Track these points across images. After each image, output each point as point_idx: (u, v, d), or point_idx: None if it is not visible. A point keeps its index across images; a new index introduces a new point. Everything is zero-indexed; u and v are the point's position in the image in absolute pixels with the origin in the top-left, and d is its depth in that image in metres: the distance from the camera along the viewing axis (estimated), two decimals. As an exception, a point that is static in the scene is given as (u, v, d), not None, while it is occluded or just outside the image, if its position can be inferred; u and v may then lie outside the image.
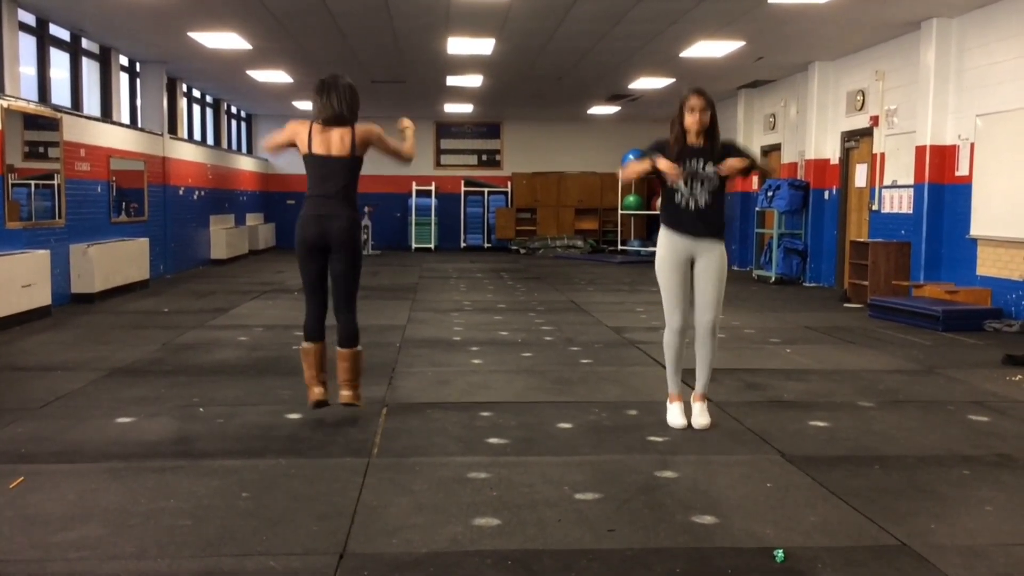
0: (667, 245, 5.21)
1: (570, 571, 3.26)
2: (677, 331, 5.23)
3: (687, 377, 5.51)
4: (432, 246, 23.13)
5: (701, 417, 5.27)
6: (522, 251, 22.71)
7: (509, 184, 23.92)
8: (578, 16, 10.95)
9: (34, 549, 3.42)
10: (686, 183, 5.11)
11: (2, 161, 9.55)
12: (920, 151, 11.12)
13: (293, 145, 5.32)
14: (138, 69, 15.03)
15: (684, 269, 5.19)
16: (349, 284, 5.30)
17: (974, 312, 9.53)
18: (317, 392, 5.26)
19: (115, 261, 11.84)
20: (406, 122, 5.61)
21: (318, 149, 5.17)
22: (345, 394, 5.32)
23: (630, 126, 23.10)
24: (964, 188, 10.55)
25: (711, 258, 5.16)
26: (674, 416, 5.29)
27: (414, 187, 23.05)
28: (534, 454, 4.73)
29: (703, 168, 5.10)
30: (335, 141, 5.19)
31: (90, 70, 13.24)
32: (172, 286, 13.43)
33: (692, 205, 5.12)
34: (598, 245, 22.96)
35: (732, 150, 5.20)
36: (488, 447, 4.85)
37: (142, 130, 14.46)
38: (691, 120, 5.09)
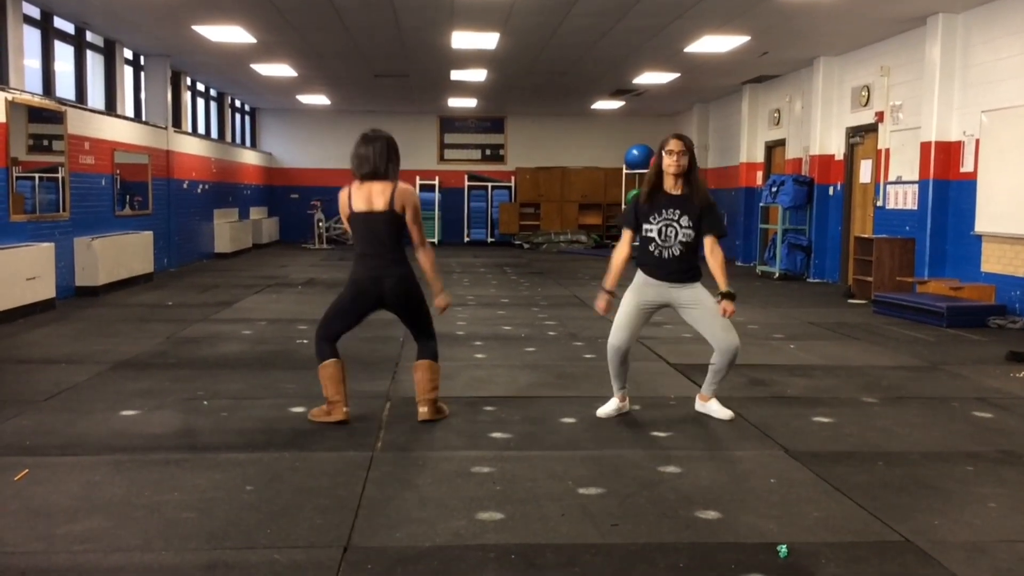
0: (640, 282, 5.28)
1: (573, 565, 3.26)
2: (618, 349, 5.29)
3: (697, 375, 5.50)
4: (435, 241, 23.12)
5: (722, 412, 5.36)
6: (525, 246, 22.70)
7: (513, 179, 23.91)
8: (582, 10, 10.94)
9: (39, 541, 3.43)
10: (659, 233, 5.15)
11: (6, 154, 9.57)
12: (925, 147, 11.10)
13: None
14: (142, 62, 15.04)
15: (646, 308, 5.28)
16: (421, 324, 5.29)
17: (978, 308, 9.52)
18: (345, 412, 5.15)
19: (119, 254, 11.86)
20: (441, 302, 5.38)
21: (359, 206, 5.06)
22: (422, 411, 5.23)
23: (634, 121, 23.08)
24: (969, 184, 10.53)
25: (694, 298, 5.20)
26: (607, 408, 5.41)
27: (418, 181, 23.04)
28: (537, 449, 4.74)
29: (678, 220, 5.12)
30: (376, 196, 5.05)
31: (94, 63, 13.25)
32: (176, 279, 13.45)
33: (667, 255, 5.16)
34: (602, 240, 22.94)
35: (708, 213, 5.16)
36: (491, 441, 4.86)
37: (146, 123, 14.47)
38: (669, 161, 5.13)
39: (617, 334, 5.29)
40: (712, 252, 5.21)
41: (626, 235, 5.36)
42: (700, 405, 5.48)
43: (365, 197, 5.06)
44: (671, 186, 5.18)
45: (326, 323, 5.25)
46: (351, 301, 5.18)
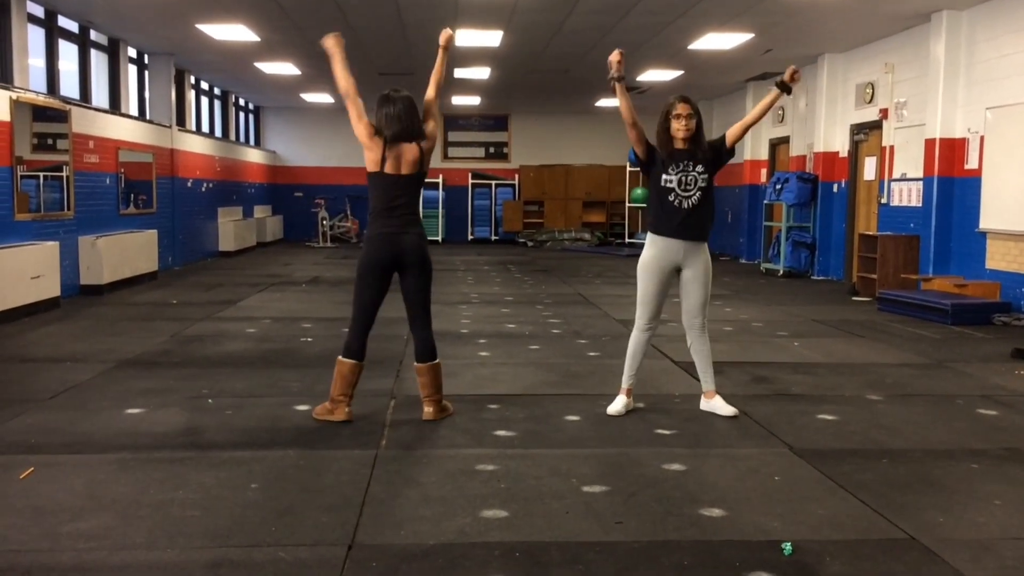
0: (653, 250, 5.32)
1: (577, 563, 3.26)
2: (644, 328, 5.39)
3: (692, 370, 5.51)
4: (439, 239, 23.13)
5: (725, 408, 5.37)
6: (529, 244, 22.69)
7: (516, 177, 23.90)
8: (586, 8, 10.93)
9: (44, 539, 3.44)
10: (680, 183, 5.19)
11: (11, 153, 9.58)
12: (929, 144, 11.08)
13: (369, 133, 5.02)
14: (146, 61, 15.05)
15: (666, 276, 5.32)
16: (426, 300, 5.22)
17: (983, 306, 9.50)
18: (348, 412, 5.15)
19: (124, 253, 11.88)
20: (449, 34, 5.36)
21: (390, 169, 5.02)
22: (427, 411, 5.21)
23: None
24: (974, 181, 10.50)
25: (698, 263, 5.29)
26: (615, 405, 5.42)
27: (421, 179, 23.02)
28: (542, 446, 4.74)
29: (693, 169, 5.20)
30: (406, 159, 5.04)
31: (99, 62, 13.26)
32: (180, 278, 13.47)
33: (686, 204, 5.20)
34: (605, 238, 22.94)
35: (716, 142, 5.31)
36: (496, 439, 4.86)
37: (150, 122, 14.49)
38: (677, 126, 5.18)
39: (643, 315, 5.38)
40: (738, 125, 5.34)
41: (627, 99, 5.28)
42: (705, 403, 5.48)
43: (395, 160, 5.03)
44: (680, 146, 5.23)
45: (356, 303, 5.14)
46: (369, 280, 5.09)
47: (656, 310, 5.38)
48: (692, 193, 5.19)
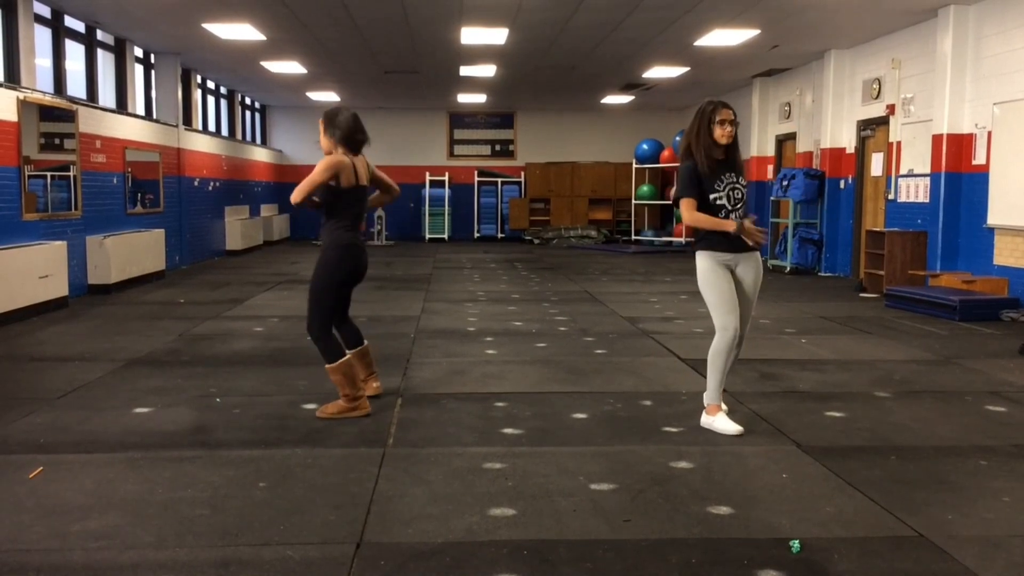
0: (709, 262, 5.07)
1: (586, 561, 3.26)
2: (734, 335, 5.01)
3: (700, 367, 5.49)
4: (446, 236, 23.15)
5: (734, 425, 5.24)
6: (536, 241, 22.69)
7: (522, 174, 23.89)
8: (592, 4, 10.91)
9: (54, 538, 3.45)
10: (729, 199, 5.02)
11: (18, 153, 9.61)
12: (937, 140, 11.04)
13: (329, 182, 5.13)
14: (153, 60, 15.07)
15: (730, 277, 5.06)
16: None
17: (991, 302, 9.47)
18: (368, 406, 5.29)
19: (131, 252, 11.91)
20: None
21: (352, 181, 5.20)
22: (375, 385, 5.59)
23: (644, 115, 23.04)
24: (981, 177, 10.47)
25: (750, 268, 5.09)
26: (728, 425, 5.03)
27: (428, 177, 23.07)
28: (549, 444, 4.74)
29: (737, 180, 5.06)
30: (361, 170, 5.28)
31: (105, 61, 13.29)
32: (187, 277, 13.49)
33: (735, 218, 5.02)
34: (612, 235, 22.92)
35: (740, 159, 5.20)
36: (503, 437, 4.86)
37: (157, 121, 14.51)
38: (722, 132, 4.99)
39: (729, 320, 4.99)
40: None
41: (690, 203, 5.01)
42: (705, 419, 5.36)
43: (356, 172, 5.22)
44: (719, 154, 5.06)
45: (322, 307, 5.23)
46: (344, 286, 5.34)
47: (737, 308, 5.03)
48: (739, 206, 5.03)
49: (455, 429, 5.02)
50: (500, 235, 23.95)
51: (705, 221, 4.99)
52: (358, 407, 5.23)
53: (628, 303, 10.46)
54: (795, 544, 3.39)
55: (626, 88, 18.75)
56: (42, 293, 9.33)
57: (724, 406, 5.18)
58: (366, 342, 5.63)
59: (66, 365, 6.75)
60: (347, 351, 5.33)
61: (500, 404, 5.58)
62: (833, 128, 14.28)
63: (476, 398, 5.72)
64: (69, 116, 10.92)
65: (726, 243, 5.02)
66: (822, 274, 14.46)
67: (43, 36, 11.23)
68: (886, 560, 3.29)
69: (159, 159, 14.23)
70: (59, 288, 9.74)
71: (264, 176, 21.88)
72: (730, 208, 5.02)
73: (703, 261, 5.08)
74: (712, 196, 4.99)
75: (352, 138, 5.22)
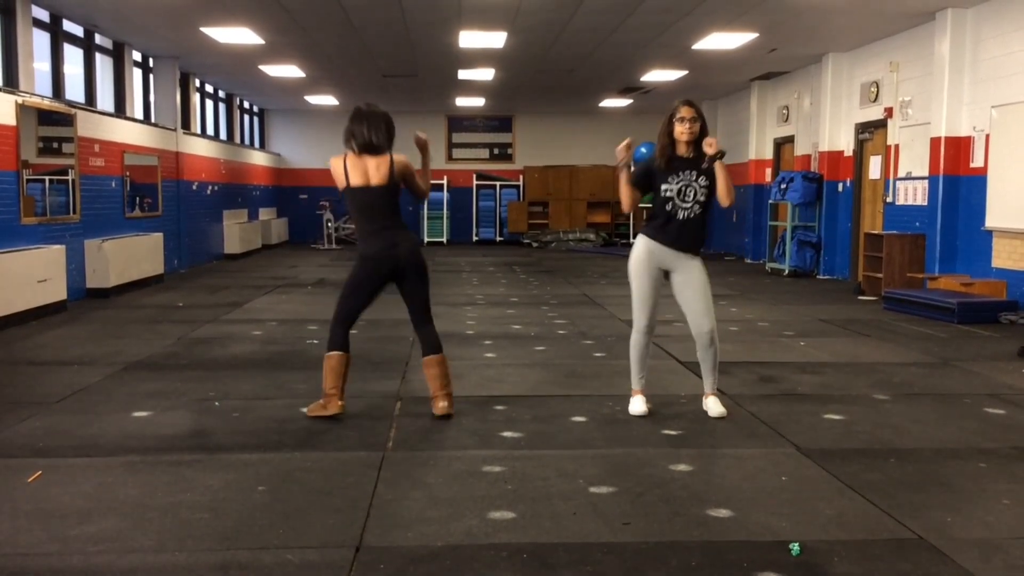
0: (642, 250, 5.27)
1: (585, 564, 3.26)
2: (643, 331, 5.34)
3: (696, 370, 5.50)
4: (444, 240, 23.16)
5: (717, 407, 5.36)
6: (534, 244, 22.69)
7: (521, 177, 23.90)
8: (590, 8, 10.93)
9: (53, 542, 3.45)
10: (679, 193, 5.14)
11: (17, 157, 9.61)
12: (935, 142, 11.05)
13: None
14: (151, 64, 15.08)
15: (656, 275, 5.26)
16: (426, 299, 5.35)
17: (989, 304, 9.48)
18: (340, 405, 5.23)
19: (130, 256, 11.90)
20: (422, 137, 5.44)
21: (356, 181, 5.15)
22: (442, 405, 5.27)
23: (642, 119, 22.99)
24: (979, 180, 10.48)
25: (690, 270, 5.23)
26: (637, 406, 5.40)
27: (426, 181, 23.03)
28: (548, 447, 4.74)
29: (696, 179, 5.14)
30: (372, 170, 5.16)
31: (103, 65, 13.29)
32: (186, 281, 13.49)
33: (681, 215, 5.15)
34: (610, 238, 22.93)
35: (714, 163, 5.20)
36: (502, 440, 4.86)
37: (155, 125, 14.51)
38: (681, 129, 5.12)
39: (640, 317, 5.31)
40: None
41: (625, 182, 5.21)
42: (706, 400, 5.46)
43: (362, 172, 5.16)
44: (684, 152, 5.17)
45: (343, 304, 5.28)
46: (366, 278, 5.23)
47: (652, 310, 5.29)
48: (691, 205, 5.14)
49: (454, 432, 5.02)
50: (499, 238, 23.95)
51: (620, 185, 5.26)
52: (327, 405, 5.24)
53: (627, 306, 10.38)
54: (795, 547, 3.39)
55: (624, 91, 18.77)
56: (40, 297, 9.33)
57: (640, 392, 5.44)
58: (440, 353, 5.32)
59: (65, 369, 6.74)
60: (424, 355, 5.30)
61: (499, 407, 5.58)
62: (831, 131, 14.30)
63: (475, 401, 5.72)
64: (68, 120, 10.92)
65: (663, 235, 5.19)
66: (820, 277, 14.47)
67: (42, 40, 11.22)
68: (886, 563, 3.29)
69: (158, 163, 14.22)
70: (57, 292, 9.73)
71: (262, 180, 21.88)
72: (678, 203, 5.15)
73: (638, 245, 5.31)
74: (663, 187, 5.17)
75: (347, 141, 5.24)
